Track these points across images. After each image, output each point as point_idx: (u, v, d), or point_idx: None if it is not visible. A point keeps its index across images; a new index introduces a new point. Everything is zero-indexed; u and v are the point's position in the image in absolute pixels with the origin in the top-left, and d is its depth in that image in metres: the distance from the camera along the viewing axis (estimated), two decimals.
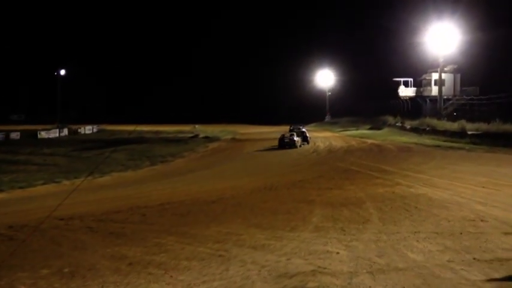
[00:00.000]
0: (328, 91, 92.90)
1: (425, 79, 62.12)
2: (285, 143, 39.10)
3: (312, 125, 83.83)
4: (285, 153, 35.90)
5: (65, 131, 68.19)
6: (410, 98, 63.93)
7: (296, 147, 38.78)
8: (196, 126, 77.73)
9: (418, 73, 63.62)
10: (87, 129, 73.39)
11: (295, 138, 39.65)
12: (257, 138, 54.38)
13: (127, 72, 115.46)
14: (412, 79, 63.77)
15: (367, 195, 14.40)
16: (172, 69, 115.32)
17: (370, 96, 78.77)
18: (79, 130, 71.16)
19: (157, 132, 66.53)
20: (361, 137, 48.34)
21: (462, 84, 59.68)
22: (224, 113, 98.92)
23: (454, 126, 42.64)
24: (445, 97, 56.56)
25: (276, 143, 40.46)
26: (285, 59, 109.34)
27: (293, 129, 48.76)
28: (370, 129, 61.24)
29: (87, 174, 25.24)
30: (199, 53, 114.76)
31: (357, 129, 63.17)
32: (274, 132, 66.81)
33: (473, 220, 10.72)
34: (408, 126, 52.14)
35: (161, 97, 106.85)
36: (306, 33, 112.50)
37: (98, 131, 74.32)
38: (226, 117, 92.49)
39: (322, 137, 51.61)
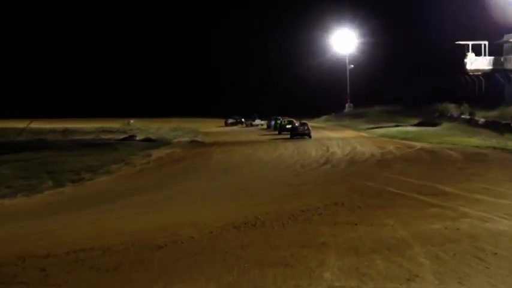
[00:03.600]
0: (350, 63, 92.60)
1: (508, 42, 62.52)
2: (297, 133, 55.10)
3: (323, 118, 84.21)
4: (279, 163, 35.95)
5: None
6: (485, 74, 64.34)
7: (310, 137, 54.26)
8: (132, 121, 77.68)
9: (496, 33, 63.99)
10: None
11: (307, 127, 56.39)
12: (231, 141, 54.43)
13: (17, 44, 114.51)
14: (486, 42, 64.19)
15: (414, 234, 14.41)
16: (91, 36, 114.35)
17: (416, 72, 79.14)
18: None
19: (66, 131, 66.26)
20: (404, 138, 48.59)
21: None
22: (180, 102, 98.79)
23: None
24: None
25: (262, 146, 44.29)
26: (278, 17, 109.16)
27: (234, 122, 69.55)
28: (419, 124, 61.68)
29: None
30: (137, 12, 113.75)
31: (396, 126, 63.52)
32: (255, 131, 67.12)
33: None
34: (481, 120, 52.52)
35: (73, 78, 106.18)
36: None
37: None
38: (183, 109, 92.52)
39: (339, 138, 51.79)
